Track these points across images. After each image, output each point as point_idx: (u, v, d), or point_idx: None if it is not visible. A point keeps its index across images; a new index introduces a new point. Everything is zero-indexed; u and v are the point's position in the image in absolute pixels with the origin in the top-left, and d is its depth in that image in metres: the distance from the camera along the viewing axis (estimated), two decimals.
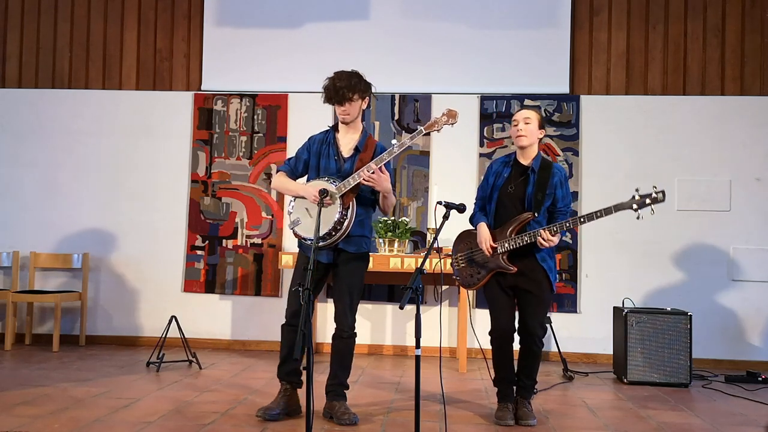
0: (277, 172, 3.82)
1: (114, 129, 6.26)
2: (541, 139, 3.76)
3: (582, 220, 3.51)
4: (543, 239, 3.52)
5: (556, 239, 3.53)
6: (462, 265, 3.81)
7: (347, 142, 3.73)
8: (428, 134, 3.63)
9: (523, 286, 3.67)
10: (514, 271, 3.62)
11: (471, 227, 3.86)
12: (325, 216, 3.49)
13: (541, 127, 3.72)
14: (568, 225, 3.54)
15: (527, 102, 5.96)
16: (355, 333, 3.72)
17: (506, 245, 3.62)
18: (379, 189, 3.60)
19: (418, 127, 3.67)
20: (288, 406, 3.67)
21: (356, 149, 3.70)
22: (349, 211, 3.57)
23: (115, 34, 6.35)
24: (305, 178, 3.80)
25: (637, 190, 3.49)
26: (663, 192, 3.42)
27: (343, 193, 3.55)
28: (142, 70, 6.33)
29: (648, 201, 3.42)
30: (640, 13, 5.99)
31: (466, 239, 3.84)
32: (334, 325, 3.72)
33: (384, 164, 3.58)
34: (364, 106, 3.72)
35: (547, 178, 3.66)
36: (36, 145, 6.28)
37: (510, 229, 3.63)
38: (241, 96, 6.21)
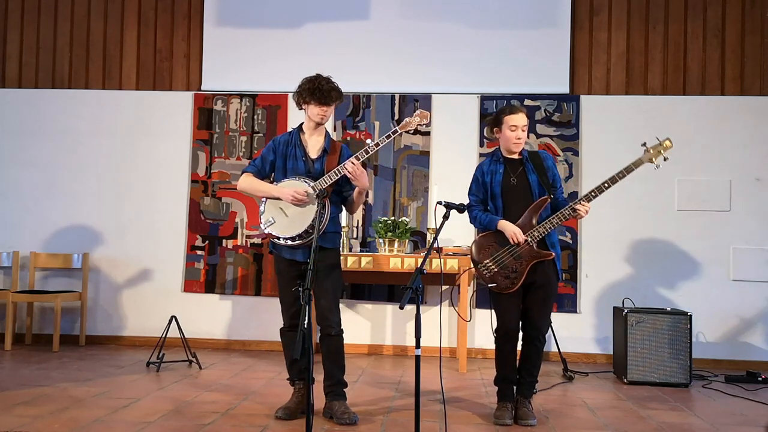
0: (243, 173, 3.83)
1: (114, 129, 6.26)
2: None
3: (607, 185, 3.64)
4: (582, 211, 3.61)
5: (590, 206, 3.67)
6: (495, 271, 3.70)
7: (314, 143, 3.78)
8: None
9: (534, 280, 3.66)
10: (552, 256, 3.65)
11: (482, 233, 3.82)
12: (301, 215, 3.58)
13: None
14: (595, 194, 3.62)
15: (527, 102, 5.96)
16: (342, 329, 3.73)
17: (536, 234, 3.63)
18: (358, 184, 3.65)
19: (394, 127, 3.75)
20: (304, 403, 3.69)
21: (324, 150, 3.75)
22: (326, 209, 3.61)
23: (115, 34, 6.36)
24: (271, 179, 3.84)
25: (644, 144, 3.73)
26: (668, 139, 3.73)
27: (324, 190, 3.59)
28: (142, 70, 6.33)
29: (661, 150, 3.71)
30: (640, 13, 5.99)
31: (488, 244, 3.74)
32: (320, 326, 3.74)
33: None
34: (331, 114, 3.80)
35: (541, 162, 3.78)
36: (36, 145, 6.28)
37: (531, 218, 3.65)
38: (241, 96, 6.21)
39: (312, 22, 6.17)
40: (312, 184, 3.61)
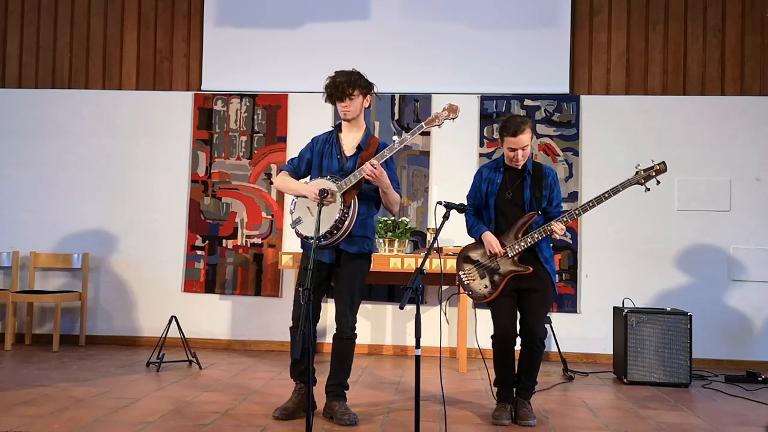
0: (280, 171, 3.82)
1: (114, 129, 6.26)
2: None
3: (591, 204, 3.61)
4: (557, 230, 3.55)
5: (564, 229, 3.60)
6: (473, 280, 3.75)
7: (350, 141, 3.73)
8: (429, 132, 3.63)
9: (529, 286, 3.67)
10: (530, 271, 3.62)
11: (470, 239, 3.84)
12: (326, 215, 3.49)
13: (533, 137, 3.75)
14: (578, 213, 3.61)
15: (527, 102, 5.96)
16: (356, 334, 3.73)
17: (517, 247, 3.62)
18: (379, 185, 3.60)
19: (420, 123, 3.69)
20: (302, 404, 3.68)
21: (359, 147, 3.70)
22: (351, 210, 3.56)
23: (115, 34, 6.36)
24: (308, 178, 3.80)
25: (637, 166, 3.69)
26: (663, 162, 3.65)
27: (345, 191, 3.55)
28: (142, 70, 6.33)
29: (653, 173, 3.64)
30: (640, 13, 5.99)
31: (470, 252, 3.79)
32: (335, 326, 3.73)
33: (385, 160, 3.59)
34: (366, 105, 3.73)
35: (541, 177, 3.71)
36: (36, 145, 6.28)
37: (516, 231, 3.64)
38: (241, 96, 6.21)
39: (312, 22, 6.17)
40: (340, 183, 3.55)
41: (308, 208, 3.63)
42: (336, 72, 3.69)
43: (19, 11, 6.41)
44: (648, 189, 3.69)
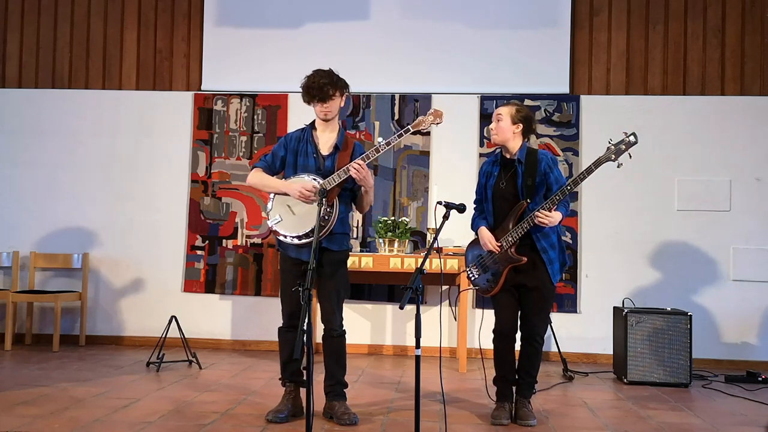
0: (252, 168, 3.81)
1: (114, 129, 6.26)
2: (526, 132, 3.74)
3: (569, 187, 3.56)
4: (541, 217, 3.52)
5: (555, 215, 3.54)
6: (478, 275, 3.80)
7: (326, 140, 3.74)
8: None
9: (527, 283, 3.67)
10: (525, 261, 3.62)
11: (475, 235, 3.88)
12: (308, 214, 3.53)
13: (518, 121, 3.69)
14: (559, 198, 3.56)
15: (527, 102, 5.96)
16: (345, 331, 3.73)
17: (510, 238, 3.63)
18: (364, 184, 3.62)
19: (406, 126, 3.71)
20: (294, 407, 3.68)
21: (336, 147, 3.71)
22: (334, 208, 3.58)
23: (115, 34, 6.36)
24: (281, 175, 3.80)
25: (610, 141, 3.59)
26: (634, 134, 3.53)
27: (329, 189, 3.56)
28: (142, 70, 6.33)
29: (623, 147, 3.53)
30: (640, 13, 5.99)
31: (474, 248, 3.85)
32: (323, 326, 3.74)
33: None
34: (342, 104, 3.75)
35: (535, 164, 3.67)
36: (36, 145, 6.28)
37: (509, 223, 3.65)
38: (241, 96, 6.21)
39: (312, 22, 6.17)
40: (321, 181, 3.56)
41: (288, 206, 3.63)
42: (314, 72, 3.67)
43: (19, 11, 6.41)
44: (620, 165, 3.56)
